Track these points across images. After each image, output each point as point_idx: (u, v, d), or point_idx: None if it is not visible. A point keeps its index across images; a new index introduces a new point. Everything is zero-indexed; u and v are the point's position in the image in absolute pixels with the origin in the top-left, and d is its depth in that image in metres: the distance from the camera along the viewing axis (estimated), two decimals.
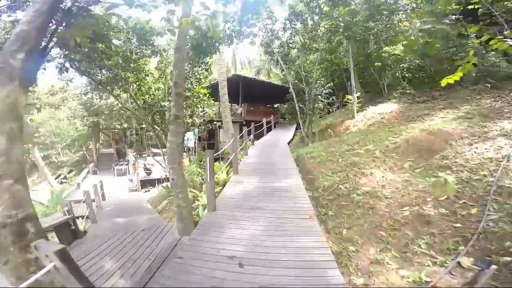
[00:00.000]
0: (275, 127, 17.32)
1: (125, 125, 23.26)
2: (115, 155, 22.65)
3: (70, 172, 22.01)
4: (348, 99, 10.93)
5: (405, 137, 5.79)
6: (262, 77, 26.23)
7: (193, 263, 2.63)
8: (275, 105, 22.99)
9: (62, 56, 5.19)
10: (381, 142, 6.04)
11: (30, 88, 8.74)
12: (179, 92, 4.56)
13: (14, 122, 2.05)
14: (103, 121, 19.45)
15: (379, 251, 2.93)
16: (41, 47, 2.63)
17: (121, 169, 19.45)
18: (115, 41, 6.32)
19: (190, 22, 2.61)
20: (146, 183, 15.19)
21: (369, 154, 5.56)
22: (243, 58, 32.60)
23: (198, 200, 5.87)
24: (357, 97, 10.64)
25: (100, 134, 24.27)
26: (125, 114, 15.32)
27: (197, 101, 9.67)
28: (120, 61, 6.93)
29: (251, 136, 10.93)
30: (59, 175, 21.10)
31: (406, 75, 10.66)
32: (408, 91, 10.02)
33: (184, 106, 9.38)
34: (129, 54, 6.96)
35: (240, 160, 7.73)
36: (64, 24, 3.20)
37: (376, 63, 10.91)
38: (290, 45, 12.81)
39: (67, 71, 5.87)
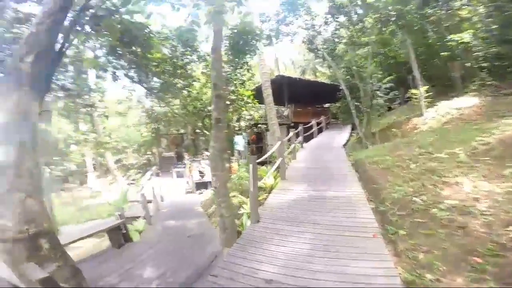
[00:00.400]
0: (326, 128, 16.29)
1: (182, 131, 25.06)
2: (175, 158, 24.50)
3: (137, 173, 24.72)
4: (412, 93, 9.55)
5: (500, 136, 4.49)
6: (308, 77, 25.10)
7: (227, 283, 2.35)
8: (325, 105, 21.67)
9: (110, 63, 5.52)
10: (465, 143, 4.80)
11: (98, 97, 9.68)
12: (219, 94, 4.36)
13: (26, 132, 1.91)
14: (162, 127, 21.25)
15: (471, 281, 2.18)
16: (55, 49, 2.52)
17: (179, 171, 20.90)
18: (163, 49, 6.58)
19: (212, 10, 2.33)
20: (200, 186, 15.86)
21: (451, 158, 4.44)
22: (285, 59, 31.96)
23: (243, 207, 5.59)
24: (425, 91, 9.13)
25: (161, 139, 26.67)
26: (179, 120, 16.29)
27: (241, 103, 9.54)
28: (168, 67, 7.18)
29: (300, 138, 10.30)
30: (129, 177, 23.87)
31: (484, 64, 8.78)
32: (489, 83, 8.31)
33: (231, 109, 9.34)
34: (175, 60, 7.17)
35: (288, 165, 7.24)
36: (85, 27, 3.16)
37: (441, 53, 9.66)
38: (336, 40, 11.83)
39: (120, 78, 6.31)
